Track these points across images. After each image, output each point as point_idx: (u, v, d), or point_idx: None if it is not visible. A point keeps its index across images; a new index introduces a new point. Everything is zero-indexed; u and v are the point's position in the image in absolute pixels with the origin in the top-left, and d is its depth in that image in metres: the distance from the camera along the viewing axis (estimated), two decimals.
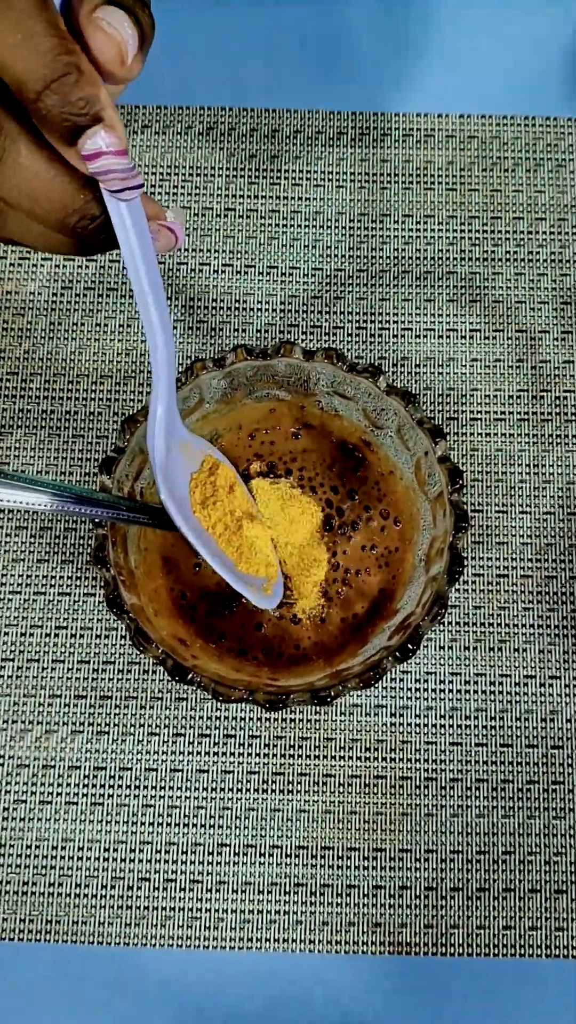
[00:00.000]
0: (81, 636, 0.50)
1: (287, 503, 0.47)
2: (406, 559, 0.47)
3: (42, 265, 0.55)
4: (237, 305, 0.55)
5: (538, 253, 0.55)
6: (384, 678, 0.49)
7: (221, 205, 0.56)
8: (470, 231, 0.56)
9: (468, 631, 0.50)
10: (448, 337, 0.54)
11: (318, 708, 0.47)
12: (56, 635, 0.50)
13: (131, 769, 0.49)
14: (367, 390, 0.44)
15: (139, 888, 0.48)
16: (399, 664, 0.40)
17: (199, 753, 0.49)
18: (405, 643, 0.41)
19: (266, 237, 0.56)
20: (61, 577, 0.51)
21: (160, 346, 0.34)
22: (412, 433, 0.44)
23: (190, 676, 0.40)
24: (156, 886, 0.48)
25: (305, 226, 0.56)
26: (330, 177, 0.57)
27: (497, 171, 0.57)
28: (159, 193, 0.56)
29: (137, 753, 0.49)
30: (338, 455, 0.49)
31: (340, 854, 0.48)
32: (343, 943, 0.47)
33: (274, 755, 0.49)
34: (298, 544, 0.47)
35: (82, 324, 0.54)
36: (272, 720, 0.49)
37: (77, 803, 0.49)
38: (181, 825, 0.48)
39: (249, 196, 0.56)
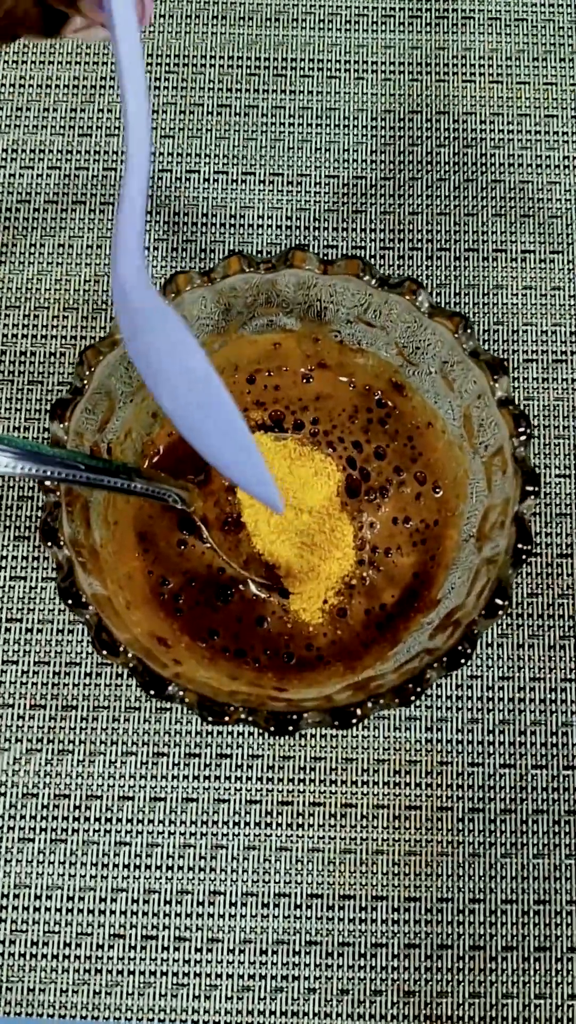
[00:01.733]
0: (39, 631, 0.40)
1: (296, 463, 0.37)
2: (448, 535, 0.37)
3: None
4: (233, 221, 0.44)
5: None
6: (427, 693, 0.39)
7: (214, 101, 0.45)
8: (520, 132, 0.45)
9: (522, 625, 0.40)
10: (495, 260, 0.43)
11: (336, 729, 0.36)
12: (7, 630, 0.40)
13: (101, 797, 0.39)
14: (401, 315, 0.34)
15: (111, 947, 0.38)
16: (447, 674, 0.30)
17: (186, 777, 0.39)
18: (455, 646, 0.30)
19: (269, 139, 0.45)
20: (14, 558, 0.40)
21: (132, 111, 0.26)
22: (462, 370, 0.33)
23: (169, 689, 0.30)
24: (132, 944, 0.38)
25: (317, 125, 0.45)
26: (348, 67, 0.46)
27: (551, 60, 0.46)
28: None
29: (108, 777, 0.39)
30: (361, 403, 0.38)
31: (363, 904, 0.38)
32: (367, 1017, 0.37)
33: (280, 780, 0.39)
34: (312, 514, 0.36)
35: (41, 245, 0.44)
36: (279, 738, 0.39)
37: (33, 840, 0.38)
38: (164, 868, 0.38)
39: (248, 90, 0.45)
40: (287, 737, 0.38)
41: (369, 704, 0.30)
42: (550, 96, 0.45)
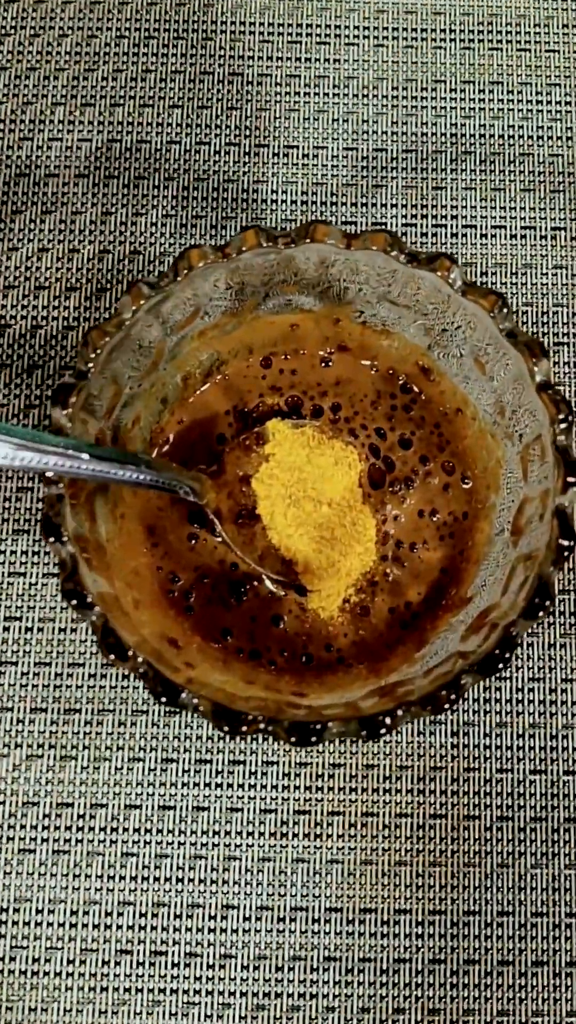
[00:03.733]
0: (40, 630, 0.37)
1: (315, 452, 0.34)
2: (479, 528, 0.34)
3: None
4: (245, 196, 0.41)
5: None
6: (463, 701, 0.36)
7: (225, 69, 0.42)
8: (550, 102, 0.42)
9: (553, 624, 0.37)
10: (524, 238, 0.41)
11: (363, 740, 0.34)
12: (6, 629, 0.37)
13: (106, 806, 0.36)
14: (431, 294, 0.31)
15: (118, 964, 0.36)
16: (484, 680, 0.28)
17: (197, 785, 0.36)
18: (493, 650, 0.28)
19: (283, 109, 0.42)
20: (13, 552, 0.38)
21: None
22: (496, 353, 0.31)
23: (183, 696, 0.27)
24: (140, 960, 0.36)
25: (335, 95, 0.42)
26: (367, 33, 0.43)
27: None
28: (144, 51, 0.42)
29: (115, 785, 0.36)
30: (385, 388, 0.36)
31: (385, 918, 0.36)
32: None
33: (297, 787, 0.36)
34: (332, 506, 0.34)
35: (42, 221, 0.41)
36: None
37: (34, 851, 0.36)
38: (173, 880, 0.36)
39: (261, 57, 0.42)
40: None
41: (399, 712, 0.27)
42: None
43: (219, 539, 0.35)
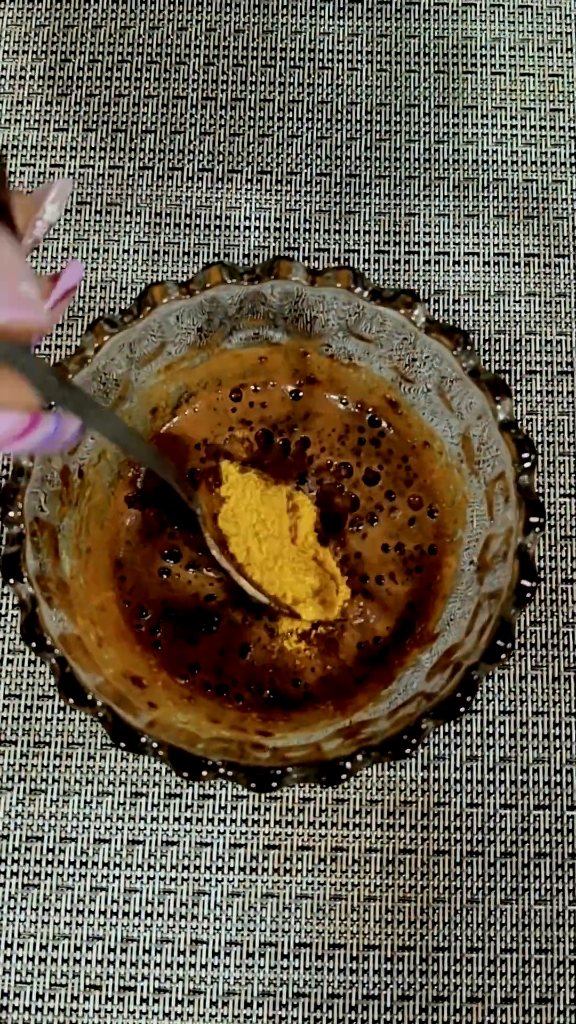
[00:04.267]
0: (9, 662, 0.37)
1: (267, 494, 0.34)
2: (445, 563, 0.34)
3: None
4: (218, 223, 0.41)
5: None
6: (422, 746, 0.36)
7: (198, 93, 0.42)
8: (524, 127, 0.42)
9: (524, 656, 0.37)
10: (498, 264, 0.40)
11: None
12: None
13: (76, 840, 0.36)
14: (396, 328, 0.31)
15: (87, 999, 0.35)
16: (444, 724, 0.27)
17: (166, 819, 0.36)
18: (454, 694, 0.27)
19: (256, 134, 0.42)
20: None
21: None
22: (461, 388, 0.30)
23: (142, 740, 0.27)
24: (109, 996, 0.35)
25: (308, 120, 0.42)
26: (340, 57, 0.43)
27: (557, 50, 0.43)
28: (117, 76, 0.42)
29: (84, 819, 0.36)
30: (353, 421, 0.35)
31: (354, 954, 0.36)
32: None
33: (266, 822, 0.36)
34: (296, 543, 0.34)
35: (44, 249, 0.40)
36: None
37: (4, 884, 0.36)
38: (143, 915, 0.36)
39: (234, 82, 0.42)
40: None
41: (359, 758, 0.27)
42: (556, 88, 0.42)
43: (192, 570, 0.35)
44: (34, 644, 0.28)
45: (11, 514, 0.28)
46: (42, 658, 0.28)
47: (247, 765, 0.27)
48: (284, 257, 0.30)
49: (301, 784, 0.31)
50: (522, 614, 0.34)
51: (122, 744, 0.27)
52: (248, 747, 0.29)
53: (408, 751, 0.27)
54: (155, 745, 0.27)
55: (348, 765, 0.27)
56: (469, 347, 0.29)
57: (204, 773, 0.27)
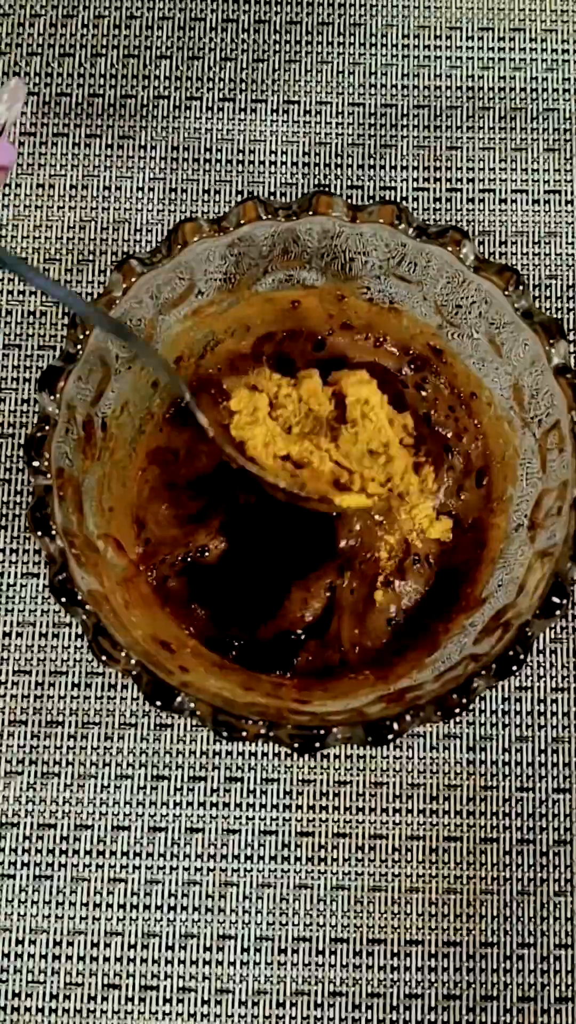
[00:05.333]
0: (19, 635, 0.41)
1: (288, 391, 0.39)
2: (494, 524, 0.38)
3: None
4: (241, 157, 0.45)
5: None
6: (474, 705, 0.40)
7: (218, 15, 0.46)
8: None
9: None
10: (548, 202, 0.45)
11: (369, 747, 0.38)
12: None
13: (92, 827, 0.40)
14: (442, 269, 0.35)
15: (105, 999, 0.40)
16: (497, 683, 0.32)
17: (190, 804, 0.40)
18: (506, 651, 0.32)
19: (282, 60, 0.46)
20: None
21: None
22: (512, 333, 0.35)
23: (179, 699, 0.31)
24: (129, 996, 0.40)
25: (339, 44, 0.46)
26: None
27: None
28: (130, 6, 0.46)
29: (100, 804, 0.40)
30: (394, 370, 0.40)
31: (395, 950, 0.40)
32: None
33: (299, 807, 0.40)
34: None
35: (17, 185, 0.45)
36: (298, 758, 0.41)
37: (15, 876, 0.40)
38: (165, 908, 0.40)
39: (258, 2, 0.47)
40: (308, 758, 0.40)
41: (408, 717, 0.31)
42: None
43: (215, 531, 0.39)
44: (64, 599, 0.32)
45: (37, 464, 0.33)
46: (72, 614, 0.32)
47: (290, 724, 0.31)
48: (323, 191, 0.34)
49: (345, 746, 0.35)
50: None
51: (157, 703, 0.31)
52: (286, 712, 0.34)
53: (458, 710, 0.31)
54: (192, 704, 0.31)
55: (395, 725, 0.31)
56: (522, 287, 0.33)
57: (245, 732, 0.31)
